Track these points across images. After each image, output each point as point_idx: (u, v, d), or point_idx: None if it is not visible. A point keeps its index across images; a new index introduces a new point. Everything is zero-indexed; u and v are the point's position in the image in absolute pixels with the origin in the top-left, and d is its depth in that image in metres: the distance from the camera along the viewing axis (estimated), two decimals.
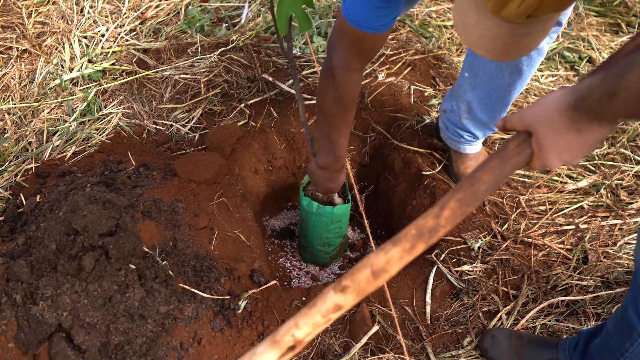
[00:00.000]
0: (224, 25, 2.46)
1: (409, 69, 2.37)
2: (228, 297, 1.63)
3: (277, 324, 1.65)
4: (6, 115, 2.12)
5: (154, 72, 2.22)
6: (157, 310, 1.50)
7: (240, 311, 1.63)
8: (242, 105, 2.13)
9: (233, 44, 2.29)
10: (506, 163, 0.98)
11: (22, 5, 2.49)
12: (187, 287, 1.58)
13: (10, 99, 2.17)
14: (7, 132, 2.06)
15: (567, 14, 1.50)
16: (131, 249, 1.51)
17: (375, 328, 1.63)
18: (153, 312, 1.49)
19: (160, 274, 1.54)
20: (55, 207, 1.70)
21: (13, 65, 2.29)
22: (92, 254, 1.48)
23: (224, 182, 1.93)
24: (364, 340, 1.60)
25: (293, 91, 2.18)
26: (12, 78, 2.25)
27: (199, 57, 2.25)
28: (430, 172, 2.05)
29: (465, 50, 2.12)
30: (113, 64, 2.27)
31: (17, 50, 2.34)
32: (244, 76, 2.20)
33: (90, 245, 1.52)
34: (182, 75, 2.19)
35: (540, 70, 2.39)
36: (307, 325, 0.97)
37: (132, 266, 1.51)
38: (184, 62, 2.24)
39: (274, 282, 1.74)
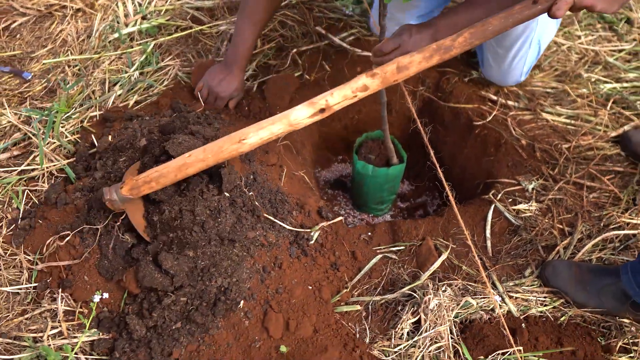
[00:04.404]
0: None
1: None
2: (302, 229, 1.70)
3: (347, 255, 1.72)
4: (66, 67, 2.17)
5: (208, 27, 2.28)
6: (246, 235, 1.57)
7: (312, 242, 1.70)
8: (294, 51, 2.21)
9: (286, 1, 2.36)
10: (510, 16, 1.33)
11: None
12: (269, 217, 1.64)
13: (69, 52, 2.23)
14: (69, 83, 2.11)
15: None
16: (232, 179, 1.56)
17: (444, 255, 1.70)
18: (242, 237, 1.56)
19: (247, 203, 1.61)
20: (131, 145, 1.76)
21: (69, 23, 2.34)
22: (197, 179, 1.52)
23: None
24: (435, 266, 1.67)
25: (345, 45, 2.25)
26: (69, 34, 2.31)
27: None
28: (481, 123, 2.13)
29: None
30: (168, 20, 2.33)
31: (72, 9, 2.40)
32: (299, 31, 2.27)
33: None
34: None
35: (581, 29, 2.48)
36: (339, 95, 1.30)
37: (227, 194, 1.56)
38: None
39: (340, 217, 1.80)
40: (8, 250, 1.65)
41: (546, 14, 1.33)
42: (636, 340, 1.54)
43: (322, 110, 1.31)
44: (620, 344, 1.52)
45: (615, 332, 1.56)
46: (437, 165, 1.68)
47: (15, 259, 1.64)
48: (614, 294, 1.58)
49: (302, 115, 1.33)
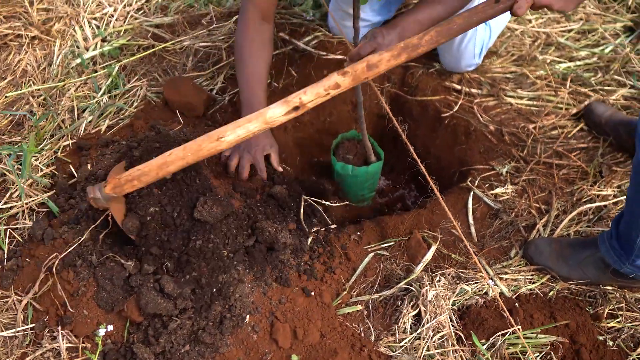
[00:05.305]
0: None
1: None
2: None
3: (341, 257, 1.76)
4: (30, 98, 2.13)
5: (171, 44, 2.27)
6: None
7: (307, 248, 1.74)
8: None
9: None
10: (474, 15, 1.41)
11: None
12: None
13: (31, 82, 2.18)
14: (35, 115, 2.07)
15: None
16: None
17: (434, 247, 1.76)
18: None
19: None
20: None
21: (27, 52, 2.29)
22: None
23: None
24: (426, 259, 1.74)
25: (309, 48, 2.28)
26: (29, 64, 2.26)
27: (214, 25, 2.32)
28: (449, 113, 2.20)
29: None
30: (129, 40, 2.31)
31: (27, 38, 2.34)
32: None
33: None
34: (202, 44, 2.25)
35: (531, 14, 2.58)
36: (312, 94, 1.37)
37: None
38: (201, 32, 2.30)
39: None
40: None
41: (509, 12, 1.40)
42: (621, 305, 1.64)
43: (296, 108, 1.37)
44: (607, 310, 1.62)
45: (600, 300, 1.66)
46: (419, 161, 1.74)
47: (7, 301, 1.61)
48: (595, 264, 1.67)
49: (277, 113, 1.38)
